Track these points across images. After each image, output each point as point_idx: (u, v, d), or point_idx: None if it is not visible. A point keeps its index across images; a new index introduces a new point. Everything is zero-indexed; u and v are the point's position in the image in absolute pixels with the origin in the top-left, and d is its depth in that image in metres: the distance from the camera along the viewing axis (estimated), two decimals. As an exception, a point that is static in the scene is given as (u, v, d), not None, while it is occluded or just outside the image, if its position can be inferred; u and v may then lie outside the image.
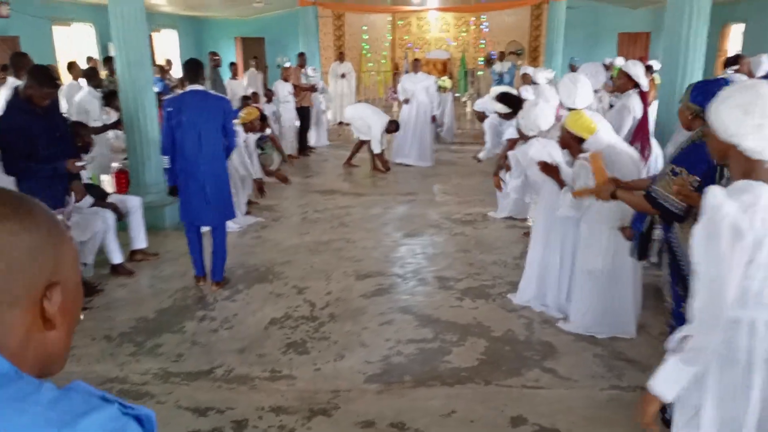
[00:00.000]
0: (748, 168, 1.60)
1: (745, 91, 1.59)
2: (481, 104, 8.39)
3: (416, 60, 9.45)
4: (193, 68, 4.31)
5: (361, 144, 8.55)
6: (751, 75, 6.16)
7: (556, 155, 3.97)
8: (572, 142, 3.50)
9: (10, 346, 0.69)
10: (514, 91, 6.65)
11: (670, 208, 2.43)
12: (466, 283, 4.45)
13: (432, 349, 3.49)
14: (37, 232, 0.72)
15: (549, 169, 3.63)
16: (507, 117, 6.21)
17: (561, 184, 3.56)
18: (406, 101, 8.82)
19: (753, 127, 1.55)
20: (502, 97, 6.09)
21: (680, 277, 2.50)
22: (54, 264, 0.73)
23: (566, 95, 4.23)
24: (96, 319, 3.92)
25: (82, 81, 7.03)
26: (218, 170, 4.29)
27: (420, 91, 8.76)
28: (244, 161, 5.73)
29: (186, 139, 4.15)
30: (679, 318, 2.82)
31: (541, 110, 4.21)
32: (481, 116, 8.36)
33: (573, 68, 11.21)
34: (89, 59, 9.50)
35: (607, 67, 8.96)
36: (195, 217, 4.33)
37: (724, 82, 2.42)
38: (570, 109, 4.26)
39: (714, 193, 1.56)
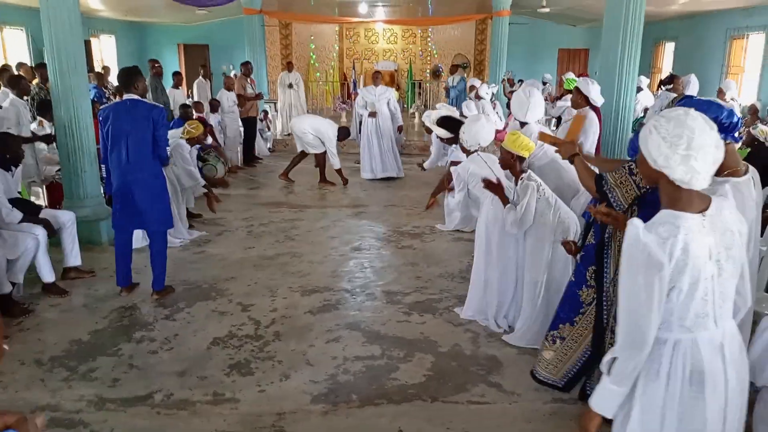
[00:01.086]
0: (675, 196, 1.64)
1: (672, 122, 1.60)
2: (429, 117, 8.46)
3: (377, 72, 9.16)
4: (125, 77, 4.27)
5: (303, 156, 8.28)
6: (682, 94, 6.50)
7: (497, 170, 4.04)
8: (513, 162, 3.58)
9: None
10: (455, 113, 6.74)
11: (611, 199, 2.50)
12: (413, 297, 4.45)
13: (379, 366, 3.47)
14: None
15: (493, 187, 3.67)
16: (448, 142, 6.29)
17: (504, 201, 3.61)
18: (373, 114, 8.56)
19: (680, 158, 1.57)
20: (443, 122, 6.17)
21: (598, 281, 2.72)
22: None
23: (518, 108, 4.29)
24: (26, 342, 3.71)
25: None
26: (149, 179, 4.26)
27: (382, 103, 8.62)
28: (189, 172, 5.57)
29: (114, 147, 4.18)
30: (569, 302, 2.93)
31: (482, 126, 4.28)
32: (429, 129, 8.44)
33: (511, 82, 11.52)
34: (20, 65, 9.01)
35: (545, 83, 9.27)
36: (122, 222, 4.34)
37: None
38: (522, 123, 4.34)
39: (634, 225, 1.60)
